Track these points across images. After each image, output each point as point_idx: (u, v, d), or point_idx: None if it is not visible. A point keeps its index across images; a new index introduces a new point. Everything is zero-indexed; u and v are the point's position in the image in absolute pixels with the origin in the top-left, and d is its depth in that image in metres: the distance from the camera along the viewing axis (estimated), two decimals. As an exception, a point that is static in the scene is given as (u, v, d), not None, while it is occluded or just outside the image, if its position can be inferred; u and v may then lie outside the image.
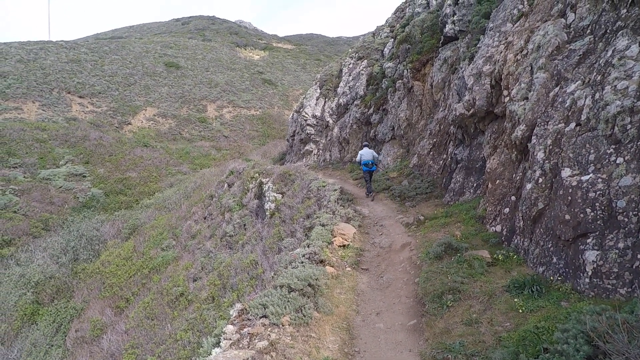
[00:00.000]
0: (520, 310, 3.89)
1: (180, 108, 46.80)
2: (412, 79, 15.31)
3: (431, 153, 12.81)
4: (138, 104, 43.95)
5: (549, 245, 4.52)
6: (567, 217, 4.16)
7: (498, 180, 6.67)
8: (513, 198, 5.88)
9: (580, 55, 5.16)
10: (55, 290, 19.22)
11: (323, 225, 7.26)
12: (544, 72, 5.44)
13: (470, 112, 8.36)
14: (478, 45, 9.22)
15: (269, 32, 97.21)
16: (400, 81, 16.13)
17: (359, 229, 8.20)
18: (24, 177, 29.96)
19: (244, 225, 15.87)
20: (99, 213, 29.63)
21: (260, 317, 4.25)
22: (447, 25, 13.00)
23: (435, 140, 12.75)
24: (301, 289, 4.59)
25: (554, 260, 4.38)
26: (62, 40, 50.38)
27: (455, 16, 12.56)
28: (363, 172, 12.09)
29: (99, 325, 14.99)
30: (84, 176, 32.95)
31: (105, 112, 40.69)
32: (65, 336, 16.52)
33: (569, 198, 4.18)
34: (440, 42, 13.86)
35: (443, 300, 4.50)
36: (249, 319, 4.29)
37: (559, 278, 4.20)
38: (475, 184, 8.88)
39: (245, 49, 72.32)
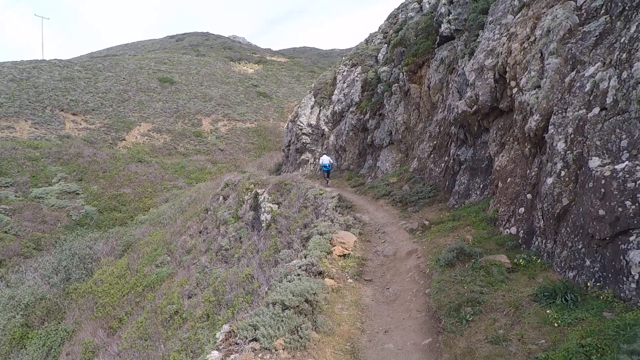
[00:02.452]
0: (556, 324, 3.29)
1: (175, 123, 46.46)
2: (409, 82, 14.92)
3: (432, 156, 12.31)
4: (132, 119, 43.57)
5: (579, 246, 3.95)
6: (602, 212, 3.60)
7: (509, 179, 6.13)
8: (529, 196, 5.33)
9: (596, 36, 4.70)
10: (46, 312, 18.48)
11: (321, 234, 6.68)
12: (556, 57, 4.98)
13: (473, 109, 7.88)
14: (478, 40, 8.82)
15: (263, 46, 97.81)
16: (396, 85, 15.75)
17: (360, 237, 7.62)
18: (16, 196, 29.25)
19: (240, 238, 15.29)
20: (92, 231, 28.85)
21: (250, 341, 3.63)
22: (442, 25, 12.66)
23: (435, 142, 12.27)
24: (297, 306, 3.98)
25: (587, 263, 3.80)
26: (55, 59, 50.28)
27: (450, 15, 12.24)
28: (322, 171, 16.47)
29: (90, 348, 14.46)
30: (77, 193, 32.24)
31: (99, 129, 40.24)
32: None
33: (602, 190, 3.64)
34: (436, 42, 13.52)
35: (461, 313, 3.89)
36: (237, 343, 3.67)
37: (596, 284, 3.61)
38: (481, 185, 8.34)
39: (240, 63, 72.63)
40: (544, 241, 4.63)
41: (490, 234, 5.86)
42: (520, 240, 5.30)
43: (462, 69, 8.92)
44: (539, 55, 5.43)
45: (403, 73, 15.24)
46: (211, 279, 13.96)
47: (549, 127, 4.68)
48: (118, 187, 34.16)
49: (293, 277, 4.75)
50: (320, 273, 5.23)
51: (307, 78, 69.55)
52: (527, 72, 5.56)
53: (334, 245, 6.40)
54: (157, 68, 55.88)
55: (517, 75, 5.99)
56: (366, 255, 6.59)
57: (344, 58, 25.56)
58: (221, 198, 20.94)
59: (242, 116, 51.13)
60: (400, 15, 21.73)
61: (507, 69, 6.54)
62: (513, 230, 5.54)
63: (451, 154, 10.64)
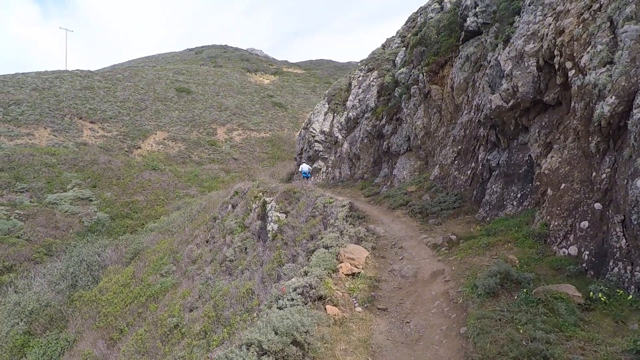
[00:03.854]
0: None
1: (190, 132, 46.55)
2: (429, 83, 13.77)
3: (456, 162, 11.04)
4: (148, 128, 43.85)
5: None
6: None
7: (563, 184, 4.89)
8: (597, 206, 4.09)
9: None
10: (49, 319, 18.14)
11: (327, 248, 5.56)
12: (635, 22, 3.79)
13: (510, 103, 6.66)
14: (515, 26, 7.62)
15: (280, 59, 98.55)
16: (415, 87, 14.61)
17: (373, 252, 6.44)
18: (30, 201, 29.31)
19: (245, 248, 14.39)
20: (103, 237, 28.55)
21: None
22: (468, 19, 11.53)
23: (460, 147, 11.01)
24: (280, 350, 2.86)
25: None
26: (77, 70, 51.64)
27: (477, 8, 11.11)
28: (302, 177, 18.32)
29: None
30: (91, 200, 32.17)
31: (115, 137, 40.56)
32: None
33: None
34: (460, 39, 12.38)
35: (521, 372, 2.67)
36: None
37: None
38: (519, 194, 7.05)
39: (256, 74, 73.13)
40: (628, 268, 3.37)
41: (541, 255, 4.60)
42: (586, 265, 4.04)
43: (496, 59, 7.74)
44: (608, 24, 4.26)
45: (423, 74, 14.10)
46: (213, 292, 13.30)
47: (634, 111, 3.47)
48: (131, 194, 34.01)
49: (285, 302, 3.65)
50: (320, 298, 4.10)
51: (322, 89, 69.18)
52: (590, 47, 4.38)
53: (341, 262, 5.25)
54: (175, 78, 56.64)
55: (574, 55, 4.81)
56: (380, 275, 5.39)
57: (359, 63, 24.63)
58: (230, 206, 20.16)
59: (257, 126, 50.89)
60: (419, 18, 20.74)
61: (557, 51, 5.36)
62: (572, 250, 4.28)
63: (479, 159, 9.36)
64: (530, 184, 6.66)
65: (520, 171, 7.09)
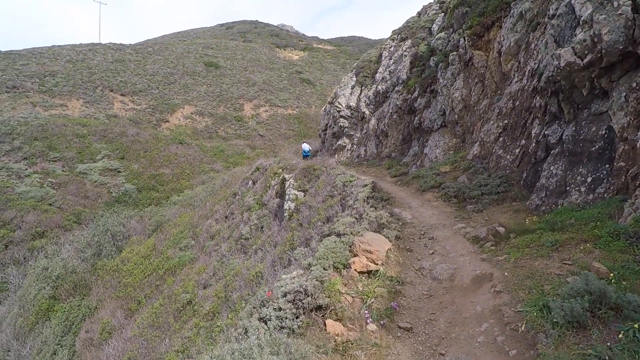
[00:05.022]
0: None
1: (217, 106, 46.18)
2: (472, 48, 11.95)
3: (501, 139, 9.44)
4: (176, 102, 43.84)
5: None
6: None
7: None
8: None
9: None
10: (73, 286, 18.66)
11: (339, 235, 4.43)
12: None
13: (587, 59, 5.08)
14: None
15: (310, 35, 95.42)
16: (454, 53, 12.80)
17: (397, 243, 5.20)
18: (62, 170, 30.18)
19: (262, 227, 13.68)
20: (130, 208, 29.03)
21: None
22: (525, -31, 9.53)
23: (506, 121, 9.37)
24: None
25: None
26: (110, 42, 52.18)
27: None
28: (303, 156, 18.69)
29: (107, 328, 14.08)
30: (119, 171, 32.75)
31: (144, 110, 40.86)
32: (76, 336, 15.96)
33: None
34: (513, -5, 10.40)
35: None
36: None
37: None
38: (589, 178, 5.55)
39: (285, 50, 71.25)
40: None
41: (641, 262, 3.21)
42: None
43: (567, 4, 6.00)
44: None
45: (465, 38, 12.25)
46: (226, 270, 12.90)
47: None
48: (157, 167, 34.34)
49: (270, 311, 2.60)
50: (319, 308, 2.99)
51: (352, 65, 66.46)
52: None
53: (355, 254, 4.10)
54: (204, 52, 56.09)
55: None
56: (404, 275, 4.16)
57: (391, 33, 22.52)
58: (250, 182, 19.50)
59: (284, 102, 49.74)
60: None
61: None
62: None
63: (533, 135, 7.77)
64: (607, 165, 5.14)
65: (593, 149, 5.55)
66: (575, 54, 5.39)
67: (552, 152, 6.79)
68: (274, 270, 8.83)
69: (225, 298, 10.77)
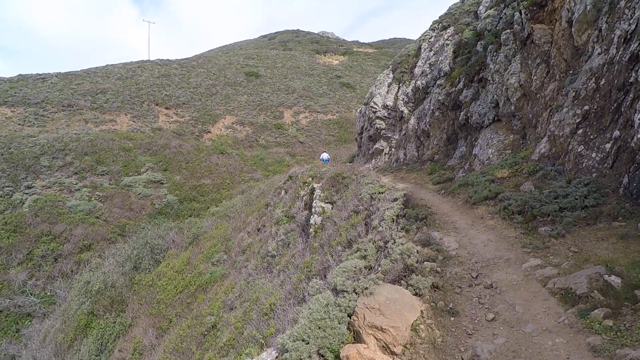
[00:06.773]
0: None
1: (257, 115, 46.18)
2: (530, 22, 9.51)
3: (580, 131, 7.00)
4: (218, 112, 44.48)
5: None
6: None
7: None
8: None
9: None
10: (110, 301, 18.49)
11: (336, 292, 2.59)
12: None
13: None
14: None
15: (350, 40, 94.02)
16: (508, 31, 10.39)
17: (432, 297, 3.07)
18: (109, 184, 31.31)
19: (288, 243, 12.24)
20: (171, 220, 29.15)
21: None
22: None
23: (587, 107, 6.93)
24: None
25: None
26: (158, 59, 54.84)
27: None
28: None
29: (139, 349, 13.79)
30: (162, 183, 33.35)
31: (187, 122, 41.84)
32: (111, 354, 15.56)
33: None
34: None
35: None
36: None
37: None
38: None
39: (325, 55, 70.45)
40: None
41: None
42: None
43: None
44: None
45: (521, 12, 9.86)
46: (250, 293, 11.68)
47: None
48: (199, 177, 34.60)
49: None
50: None
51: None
52: None
53: (356, 333, 2.25)
54: (245, 63, 56.95)
55: None
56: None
57: (431, 23, 20.11)
58: (283, 192, 18.18)
59: (323, 108, 48.58)
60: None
61: None
62: None
63: (637, 122, 5.31)
64: None
65: None
66: None
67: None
68: (288, 304, 7.22)
69: (241, 330, 9.47)
